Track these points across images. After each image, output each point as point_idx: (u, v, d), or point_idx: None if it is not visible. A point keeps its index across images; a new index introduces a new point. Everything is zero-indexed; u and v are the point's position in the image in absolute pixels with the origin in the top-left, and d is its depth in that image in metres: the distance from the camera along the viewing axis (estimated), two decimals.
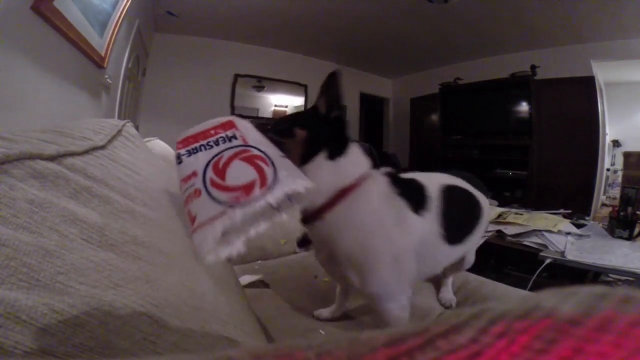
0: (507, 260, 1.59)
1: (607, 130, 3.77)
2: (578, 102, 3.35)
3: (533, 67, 3.49)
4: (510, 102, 3.74)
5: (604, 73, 3.55)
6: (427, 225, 0.53)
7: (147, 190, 0.42)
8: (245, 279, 0.80)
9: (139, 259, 0.28)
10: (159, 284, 0.27)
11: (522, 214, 1.60)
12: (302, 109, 4.70)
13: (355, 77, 5.25)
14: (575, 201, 3.12)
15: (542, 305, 0.09)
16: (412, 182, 0.57)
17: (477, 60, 4.28)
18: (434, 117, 4.63)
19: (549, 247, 1.32)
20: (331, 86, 0.50)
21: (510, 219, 1.56)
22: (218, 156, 0.35)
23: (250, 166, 0.34)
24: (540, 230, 1.43)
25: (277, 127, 0.50)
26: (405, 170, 3.44)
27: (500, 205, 2.05)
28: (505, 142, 3.78)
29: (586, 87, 3.30)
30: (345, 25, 3.50)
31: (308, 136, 0.49)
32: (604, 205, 3.63)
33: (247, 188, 0.31)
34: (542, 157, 3.52)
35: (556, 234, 1.40)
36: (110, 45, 1.75)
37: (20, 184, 0.24)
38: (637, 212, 1.41)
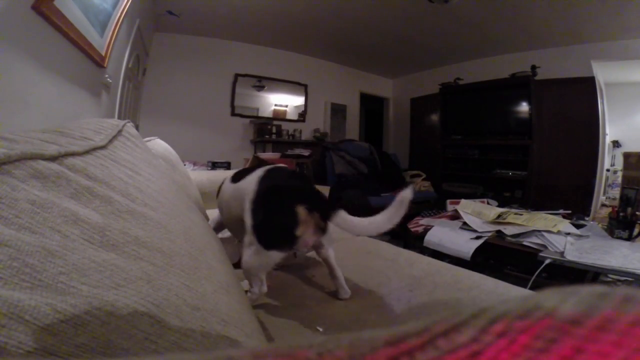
0: (506, 261, 1.60)
1: (607, 131, 3.77)
2: (578, 102, 3.35)
3: (533, 67, 3.50)
4: (510, 102, 3.74)
5: (604, 73, 3.55)
6: None
7: (147, 190, 0.42)
8: (246, 284, 0.80)
9: (140, 259, 0.28)
10: (160, 284, 0.27)
11: (521, 214, 1.60)
12: (303, 108, 4.71)
13: (355, 77, 5.25)
14: (575, 201, 3.12)
15: (542, 305, 0.09)
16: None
17: (477, 60, 4.28)
18: (434, 117, 4.64)
19: (549, 247, 1.32)
20: None
21: (510, 219, 1.56)
22: None
23: None
24: (539, 231, 1.43)
25: None
26: (405, 170, 3.42)
27: (500, 206, 2.05)
28: (505, 142, 3.78)
29: (586, 87, 3.30)
30: (345, 25, 3.51)
31: None
32: (603, 205, 3.64)
33: None
34: (542, 157, 3.52)
35: (556, 234, 1.40)
36: (111, 45, 1.75)
37: (22, 185, 0.24)
38: (637, 213, 1.41)
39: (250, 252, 0.67)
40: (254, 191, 0.68)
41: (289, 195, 0.66)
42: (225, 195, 0.86)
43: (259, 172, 0.73)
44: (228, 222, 0.90)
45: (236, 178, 0.82)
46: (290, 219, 0.64)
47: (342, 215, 0.65)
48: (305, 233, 0.65)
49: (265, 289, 0.70)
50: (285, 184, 0.71)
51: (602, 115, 3.34)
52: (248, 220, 0.67)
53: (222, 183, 0.95)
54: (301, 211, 0.64)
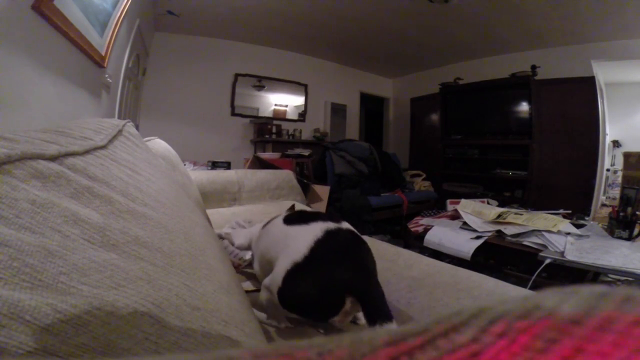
0: (506, 261, 1.60)
1: (607, 131, 3.77)
2: (578, 102, 3.35)
3: (533, 67, 3.50)
4: (510, 102, 3.75)
5: (604, 73, 3.55)
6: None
7: (147, 190, 0.42)
8: (249, 284, 0.80)
9: (140, 259, 0.28)
10: (160, 284, 0.27)
11: (522, 214, 1.60)
12: (303, 108, 4.71)
13: (355, 77, 5.26)
14: (575, 201, 3.12)
15: (542, 305, 0.09)
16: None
17: (477, 60, 4.28)
18: (434, 117, 4.64)
19: (549, 247, 1.32)
20: None
21: (510, 219, 1.56)
22: None
23: None
24: (540, 231, 1.43)
25: None
26: (405, 170, 3.42)
27: (500, 205, 2.05)
28: (505, 142, 3.79)
29: (586, 87, 3.31)
30: (345, 25, 3.51)
31: None
32: (603, 205, 3.64)
33: None
34: (542, 157, 3.53)
35: (556, 234, 1.40)
36: (111, 45, 1.75)
37: (22, 185, 0.24)
38: (637, 213, 1.41)
39: (269, 302, 0.59)
40: (304, 255, 0.55)
41: (342, 278, 0.53)
42: (271, 232, 0.69)
43: (317, 231, 0.58)
44: (258, 257, 0.74)
45: (290, 220, 0.66)
46: (333, 306, 0.53)
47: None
48: (339, 320, 0.55)
49: (284, 324, 0.62)
50: (344, 260, 0.56)
51: (602, 115, 3.34)
52: (276, 284, 0.56)
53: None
54: (348, 303, 0.53)
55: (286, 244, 0.59)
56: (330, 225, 0.60)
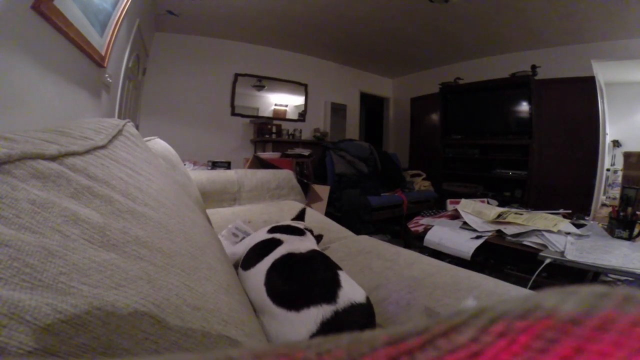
0: (506, 260, 1.60)
1: (607, 130, 3.77)
2: (578, 102, 3.35)
3: (533, 67, 3.50)
4: (510, 102, 3.74)
5: (604, 73, 3.56)
6: None
7: (148, 190, 0.42)
8: None
9: (140, 259, 0.28)
10: (160, 284, 0.27)
11: (521, 214, 1.60)
12: (303, 108, 4.71)
13: (355, 77, 5.26)
14: (575, 201, 3.12)
15: (542, 305, 0.09)
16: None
17: (477, 60, 4.28)
18: (434, 117, 4.64)
19: (549, 247, 1.32)
20: None
21: (510, 218, 1.56)
22: None
23: None
24: (540, 230, 1.43)
25: None
26: (405, 170, 3.41)
27: (500, 205, 2.05)
28: (505, 142, 3.78)
29: (586, 87, 3.31)
30: (345, 25, 3.51)
31: None
32: (603, 205, 3.64)
33: None
34: (542, 157, 3.52)
35: (556, 234, 1.40)
36: (111, 45, 1.75)
37: (22, 184, 0.24)
38: (637, 213, 1.41)
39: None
40: None
41: None
42: (254, 291, 0.62)
43: (311, 324, 0.50)
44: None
45: (274, 286, 0.58)
46: None
47: None
48: None
49: None
50: None
51: (602, 114, 3.34)
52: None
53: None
54: None
55: (271, 325, 0.53)
56: (327, 312, 0.49)
